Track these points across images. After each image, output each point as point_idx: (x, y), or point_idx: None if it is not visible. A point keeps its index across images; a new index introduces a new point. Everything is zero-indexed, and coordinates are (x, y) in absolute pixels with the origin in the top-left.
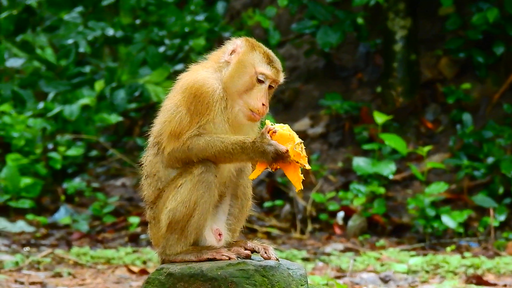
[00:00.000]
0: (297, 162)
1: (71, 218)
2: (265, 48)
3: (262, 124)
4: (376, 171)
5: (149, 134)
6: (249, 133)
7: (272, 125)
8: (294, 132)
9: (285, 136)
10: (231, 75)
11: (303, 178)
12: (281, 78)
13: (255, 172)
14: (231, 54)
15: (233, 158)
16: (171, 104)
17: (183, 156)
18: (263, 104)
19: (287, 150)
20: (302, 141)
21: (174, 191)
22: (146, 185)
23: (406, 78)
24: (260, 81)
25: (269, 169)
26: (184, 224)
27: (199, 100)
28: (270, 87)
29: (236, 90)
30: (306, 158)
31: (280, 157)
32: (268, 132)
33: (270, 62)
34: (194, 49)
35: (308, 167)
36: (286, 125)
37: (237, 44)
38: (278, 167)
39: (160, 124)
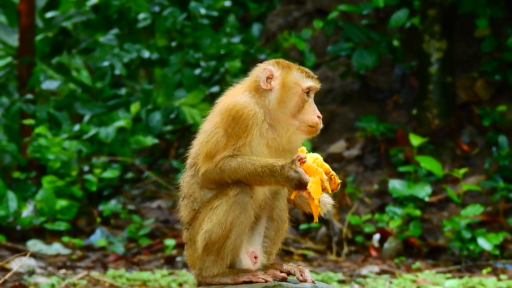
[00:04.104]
0: (310, 194)
1: (107, 240)
2: (296, 64)
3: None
4: (411, 193)
5: (187, 156)
6: (287, 158)
7: (306, 153)
8: (328, 166)
9: (311, 169)
10: (280, 100)
11: (319, 214)
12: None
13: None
14: (267, 81)
15: (262, 180)
16: (210, 126)
17: (216, 177)
18: (318, 116)
19: (308, 182)
20: (327, 178)
21: (210, 213)
22: (183, 206)
23: (442, 100)
24: (308, 96)
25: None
26: (220, 246)
27: (238, 123)
28: None
29: (289, 113)
30: (320, 196)
31: (302, 186)
32: (299, 160)
33: (308, 74)
34: (230, 71)
35: (317, 204)
36: (319, 156)
37: (270, 70)
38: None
39: (197, 145)
